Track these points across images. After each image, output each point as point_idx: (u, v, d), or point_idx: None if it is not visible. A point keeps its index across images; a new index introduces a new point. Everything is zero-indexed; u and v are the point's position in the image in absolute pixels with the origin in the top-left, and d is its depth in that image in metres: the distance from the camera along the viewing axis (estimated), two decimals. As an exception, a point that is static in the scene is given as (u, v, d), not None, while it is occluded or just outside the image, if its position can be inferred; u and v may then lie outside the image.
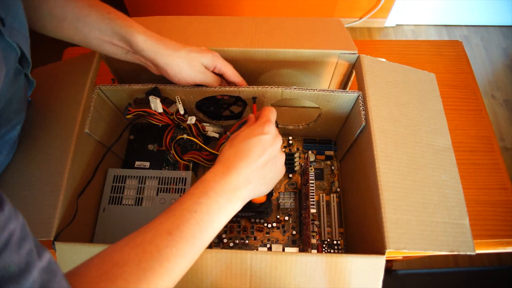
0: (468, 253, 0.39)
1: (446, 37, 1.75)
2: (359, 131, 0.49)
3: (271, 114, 0.44)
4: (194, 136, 0.55)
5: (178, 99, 0.52)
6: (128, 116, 0.52)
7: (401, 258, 0.93)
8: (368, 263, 0.38)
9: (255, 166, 0.38)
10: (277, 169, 0.42)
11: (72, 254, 0.39)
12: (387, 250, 0.38)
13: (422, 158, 0.44)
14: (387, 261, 0.98)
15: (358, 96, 0.49)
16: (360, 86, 0.49)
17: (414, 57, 0.77)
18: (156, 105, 0.51)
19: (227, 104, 0.59)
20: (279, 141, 0.42)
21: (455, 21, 1.76)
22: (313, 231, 0.52)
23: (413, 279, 0.99)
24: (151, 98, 0.50)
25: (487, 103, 1.55)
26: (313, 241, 0.52)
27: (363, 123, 0.46)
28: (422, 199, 0.41)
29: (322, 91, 0.49)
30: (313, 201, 0.49)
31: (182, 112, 0.54)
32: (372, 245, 0.42)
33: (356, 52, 0.51)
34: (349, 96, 0.50)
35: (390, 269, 0.99)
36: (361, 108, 0.47)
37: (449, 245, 0.39)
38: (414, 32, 1.76)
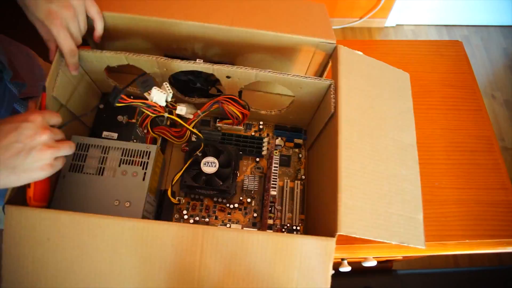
0: (418, 246, 0.40)
1: (446, 37, 1.75)
2: (328, 118, 0.49)
3: (42, 115, 0.39)
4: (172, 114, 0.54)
5: (167, 86, 0.51)
6: (119, 105, 0.49)
7: (401, 258, 0.93)
8: (318, 245, 0.39)
9: (2, 151, 0.35)
10: (32, 163, 0.37)
11: (22, 219, 0.38)
12: (337, 233, 0.38)
13: (385, 151, 0.44)
14: (387, 261, 0.98)
15: (331, 84, 0.49)
16: (334, 76, 0.49)
17: (414, 57, 0.77)
18: (161, 98, 0.49)
19: (213, 81, 0.59)
20: (43, 134, 0.37)
21: (455, 21, 1.76)
22: (271, 212, 0.54)
23: (413, 279, 0.99)
24: (155, 90, 0.48)
25: (487, 103, 1.55)
26: (270, 221, 0.53)
27: (332, 111, 0.47)
28: (380, 190, 0.42)
29: (296, 76, 0.49)
30: (275, 183, 0.50)
31: (168, 100, 0.52)
32: (327, 229, 0.42)
33: (335, 42, 0.51)
34: (321, 84, 0.50)
35: (390, 269, 0.99)
36: (331, 96, 0.47)
37: (400, 236, 0.40)
38: (414, 32, 1.76)
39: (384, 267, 0.99)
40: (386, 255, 0.62)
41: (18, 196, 0.40)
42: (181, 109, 0.53)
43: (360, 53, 0.51)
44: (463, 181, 0.63)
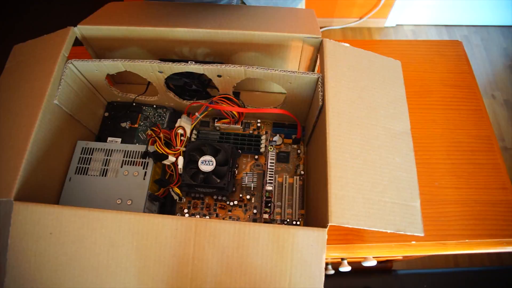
0: (416, 234, 0.39)
1: (446, 37, 1.75)
2: (318, 112, 0.49)
3: None
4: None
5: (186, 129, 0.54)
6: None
7: (401, 258, 0.93)
8: (310, 236, 0.38)
9: None
10: None
11: (28, 214, 0.39)
12: (329, 224, 0.38)
13: (377, 140, 0.44)
14: (387, 261, 0.98)
15: (318, 78, 0.49)
16: (322, 69, 0.49)
17: (414, 57, 0.77)
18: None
19: (207, 81, 0.60)
20: None
21: (455, 21, 1.76)
22: (267, 207, 0.54)
23: (413, 279, 0.99)
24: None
25: (487, 103, 1.55)
26: (265, 216, 0.54)
27: (320, 104, 0.47)
28: (372, 179, 0.41)
29: (283, 71, 0.50)
30: (271, 178, 0.51)
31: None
32: (321, 222, 0.42)
33: (320, 36, 0.52)
34: (309, 78, 0.50)
35: (390, 269, 0.99)
36: (319, 89, 0.48)
37: (395, 225, 0.39)
38: (414, 32, 1.76)
39: (384, 267, 0.99)
40: (386, 255, 0.62)
41: (25, 192, 0.42)
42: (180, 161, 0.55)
43: (347, 44, 0.51)
44: (463, 181, 0.63)
